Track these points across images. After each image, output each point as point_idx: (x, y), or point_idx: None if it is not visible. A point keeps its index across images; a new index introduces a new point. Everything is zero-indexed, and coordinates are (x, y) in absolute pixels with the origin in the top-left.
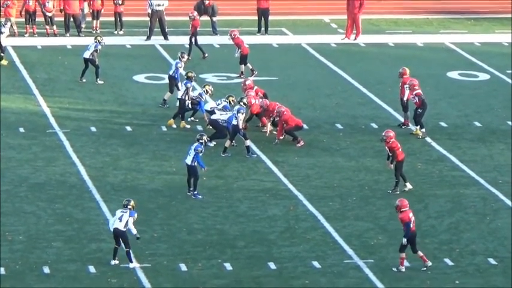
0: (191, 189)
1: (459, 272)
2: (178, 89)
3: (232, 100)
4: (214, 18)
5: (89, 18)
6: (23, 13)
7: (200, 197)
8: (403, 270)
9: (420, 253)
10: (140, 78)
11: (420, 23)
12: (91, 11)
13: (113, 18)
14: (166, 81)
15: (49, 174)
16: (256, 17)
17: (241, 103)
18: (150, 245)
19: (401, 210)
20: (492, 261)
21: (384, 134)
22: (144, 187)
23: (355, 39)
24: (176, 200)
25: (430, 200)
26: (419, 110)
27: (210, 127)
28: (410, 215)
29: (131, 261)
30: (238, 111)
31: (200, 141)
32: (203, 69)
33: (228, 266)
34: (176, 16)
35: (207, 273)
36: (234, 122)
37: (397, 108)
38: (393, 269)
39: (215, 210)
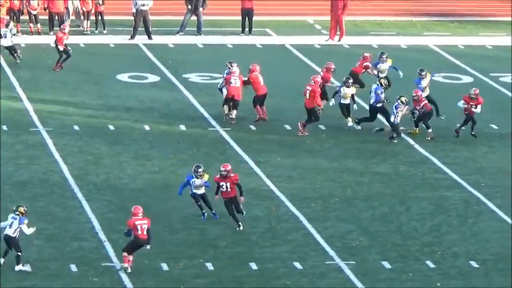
0: (204, 211)
1: (441, 274)
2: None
3: (405, 100)
4: (201, 18)
5: (72, 17)
6: (8, 11)
7: (217, 216)
8: (126, 267)
9: (131, 257)
10: (124, 77)
11: (404, 25)
12: (83, 11)
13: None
14: (150, 80)
15: (31, 172)
16: (240, 18)
17: (399, 100)
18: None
19: (133, 217)
20: (474, 264)
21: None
22: (127, 186)
23: (339, 40)
24: (158, 199)
25: (412, 202)
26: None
27: None
28: (137, 222)
29: (17, 264)
30: (396, 108)
31: (195, 174)
32: (186, 69)
33: (210, 266)
34: (160, 16)
35: (188, 273)
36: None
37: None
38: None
39: (197, 210)
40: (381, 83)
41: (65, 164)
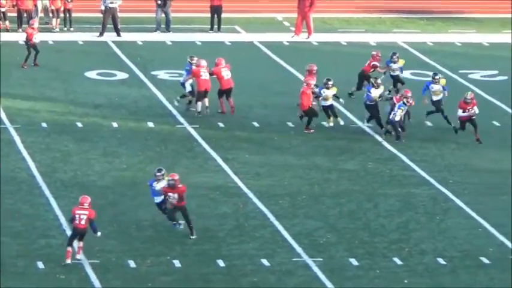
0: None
1: (408, 271)
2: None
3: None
4: (169, 15)
5: (41, 14)
6: None
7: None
8: (69, 262)
9: (70, 248)
10: (92, 74)
11: (373, 22)
12: (52, 9)
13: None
14: (118, 77)
15: None
16: (209, 15)
17: (403, 101)
18: (99, 241)
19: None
20: (441, 261)
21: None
22: (94, 183)
23: (308, 38)
24: (126, 196)
25: (380, 199)
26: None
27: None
28: (78, 212)
29: None
30: (399, 108)
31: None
32: (155, 66)
33: (177, 263)
34: (129, 13)
35: (155, 270)
36: (391, 116)
37: (348, 106)
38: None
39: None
40: (372, 83)
41: (32, 161)
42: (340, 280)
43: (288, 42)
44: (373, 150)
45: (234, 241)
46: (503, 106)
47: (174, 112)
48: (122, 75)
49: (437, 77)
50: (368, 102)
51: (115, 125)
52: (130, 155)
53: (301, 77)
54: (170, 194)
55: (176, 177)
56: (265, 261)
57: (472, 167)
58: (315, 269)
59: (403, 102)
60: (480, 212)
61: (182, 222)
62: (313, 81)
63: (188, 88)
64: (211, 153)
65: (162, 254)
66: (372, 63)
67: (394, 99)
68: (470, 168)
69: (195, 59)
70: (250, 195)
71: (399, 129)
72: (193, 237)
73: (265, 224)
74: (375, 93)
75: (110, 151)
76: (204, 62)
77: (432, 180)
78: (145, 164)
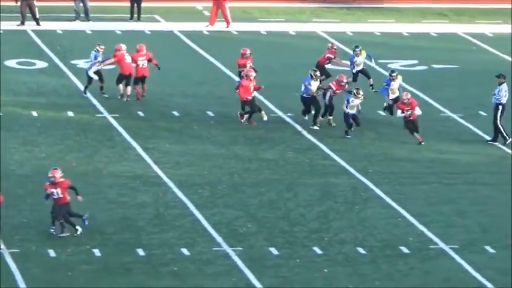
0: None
1: (328, 260)
2: None
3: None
4: (87, 5)
5: None
6: None
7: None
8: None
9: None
10: (12, 63)
11: (293, 11)
12: None
13: None
14: (38, 66)
15: None
16: (128, 4)
17: (352, 92)
18: (19, 230)
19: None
20: (361, 250)
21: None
22: (14, 172)
23: (227, 27)
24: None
25: (300, 188)
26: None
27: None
28: (50, 190)
29: None
30: (347, 101)
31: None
32: (75, 55)
33: (97, 252)
34: (49, 2)
35: (75, 259)
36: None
37: (267, 96)
38: None
39: (84, 196)
40: (311, 75)
41: None
42: (260, 269)
43: (207, 31)
44: (293, 140)
45: (154, 230)
46: (423, 95)
47: (94, 101)
48: (41, 64)
49: (394, 74)
50: (305, 95)
51: (34, 114)
52: (50, 144)
53: (221, 67)
54: (53, 190)
55: (57, 174)
56: (185, 251)
57: (392, 157)
58: (235, 258)
59: (353, 94)
60: (400, 201)
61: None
62: (253, 74)
63: (95, 77)
64: (131, 142)
65: (82, 243)
66: (326, 56)
67: (332, 85)
68: (390, 157)
69: (103, 47)
70: (170, 184)
71: (351, 123)
72: (79, 232)
73: (185, 214)
74: (314, 86)
75: (30, 140)
76: (124, 46)
77: (352, 170)
78: (64, 153)
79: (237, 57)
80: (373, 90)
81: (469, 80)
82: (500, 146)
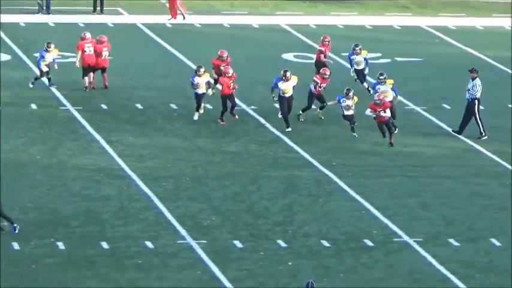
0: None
1: (292, 253)
2: None
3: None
4: None
5: None
6: None
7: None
8: None
9: None
10: None
11: (256, 4)
12: None
13: None
14: (1, 59)
15: None
16: None
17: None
18: None
19: None
20: (325, 243)
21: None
22: None
23: (183, 19)
24: (9, 179)
25: (263, 181)
26: None
27: None
28: None
29: None
30: (340, 103)
31: None
32: (38, 48)
33: (61, 245)
34: None
35: (39, 252)
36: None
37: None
38: None
39: (48, 189)
40: (282, 76)
41: None
42: (224, 262)
43: (170, 24)
44: (257, 133)
45: (118, 223)
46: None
47: (58, 94)
48: (4, 57)
49: (382, 77)
50: (281, 94)
51: None
52: (14, 137)
53: (185, 59)
54: None
55: None
56: (149, 244)
57: (356, 150)
58: (199, 251)
59: (345, 94)
60: (364, 194)
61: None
62: (230, 71)
63: (44, 68)
64: (95, 135)
65: (46, 236)
66: (318, 49)
67: (316, 78)
68: (353, 150)
69: (52, 46)
70: (134, 177)
71: (352, 123)
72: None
73: (149, 206)
74: (283, 86)
75: None
76: (88, 34)
77: (316, 163)
78: (28, 146)
79: (200, 50)
80: (370, 93)
81: (433, 73)
82: (463, 138)
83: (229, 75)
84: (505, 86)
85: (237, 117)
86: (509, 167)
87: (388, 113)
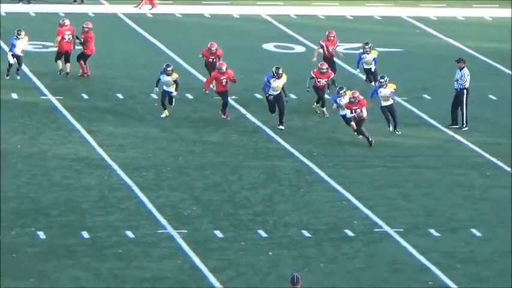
0: None
1: (273, 243)
2: None
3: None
4: None
5: None
6: None
7: None
8: None
9: None
10: None
11: None
12: None
13: None
14: None
15: None
16: None
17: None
18: None
19: None
20: (306, 233)
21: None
22: None
23: (151, 9)
24: None
25: (244, 171)
26: None
27: None
28: None
29: None
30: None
31: None
32: None
33: (42, 234)
34: None
35: (20, 242)
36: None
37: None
38: None
39: (29, 178)
40: (273, 73)
41: None
42: (204, 252)
43: (151, 14)
44: (238, 123)
45: (98, 213)
46: None
47: (38, 84)
48: None
49: (383, 80)
50: (270, 92)
51: None
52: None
53: (165, 49)
54: None
55: None
56: (129, 233)
57: (336, 140)
58: (180, 240)
59: (337, 93)
60: (344, 184)
61: None
62: (224, 67)
63: (11, 60)
64: (75, 124)
65: (27, 225)
66: (320, 44)
67: (313, 74)
68: (334, 141)
69: (22, 33)
70: (115, 167)
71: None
72: None
73: (129, 196)
74: (275, 83)
75: None
76: (67, 21)
77: (296, 153)
78: (9, 135)
79: (181, 39)
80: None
81: (413, 63)
82: (444, 129)
83: (222, 71)
84: (486, 76)
85: (227, 117)
86: (490, 157)
87: (364, 112)
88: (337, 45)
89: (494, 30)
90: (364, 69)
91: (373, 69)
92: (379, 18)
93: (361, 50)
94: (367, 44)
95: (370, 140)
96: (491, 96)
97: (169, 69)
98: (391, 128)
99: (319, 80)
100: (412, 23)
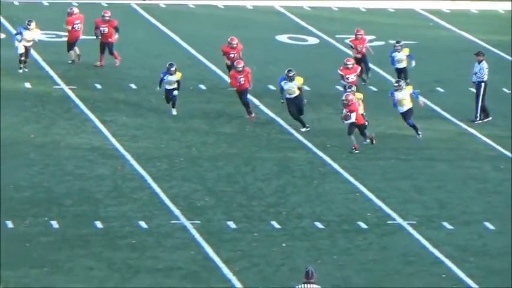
0: None
1: (286, 235)
2: None
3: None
4: None
5: None
6: None
7: None
8: None
9: None
10: None
11: None
12: None
13: None
14: None
15: None
16: None
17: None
18: None
19: None
20: (319, 224)
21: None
22: None
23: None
24: (3, 157)
25: (257, 162)
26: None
27: None
28: None
29: None
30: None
31: None
32: None
33: (55, 224)
34: None
35: (33, 231)
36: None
37: (225, 70)
38: None
39: (42, 168)
40: (285, 76)
41: None
42: (217, 243)
43: (164, 4)
44: None
45: (112, 203)
46: (381, 71)
47: (51, 73)
48: None
49: (399, 45)
50: (286, 95)
51: None
52: (8, 116)
53: (178, 39)
54: None
55: None
56: (143, 223)
57: None
58: (193, 231)
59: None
60: (357, 176)
61: None
62: (241, 65)
63: (20, 50)
64: (89, 114)
65: (40, 215)
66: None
67: (340, 71)
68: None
69: (32, 24)
70: (128, 157)
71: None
72: None
73: (143, 186)
74: (286, 86)
75: None
76: (76, 10)
77: (310, 145)
78: (22, 125)
79: (194, 30)
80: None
81: (427, 56)
82: (458, 122)
83: (239, 69)
84: (499, 70)
85: (253, 117)
86: (503, 151)
87: (353, 118)
88: (366, 44)
89: (508, 23)
90: (396, 68)
91: (413, 64)
92: (393, 10)
93: (392, 48)
94: (398, 42)
95: (374, 142)
96: (504, 90)
97: (172, 68)
98: (420, 136)
99: (347, 76)
100: (426, 15)
